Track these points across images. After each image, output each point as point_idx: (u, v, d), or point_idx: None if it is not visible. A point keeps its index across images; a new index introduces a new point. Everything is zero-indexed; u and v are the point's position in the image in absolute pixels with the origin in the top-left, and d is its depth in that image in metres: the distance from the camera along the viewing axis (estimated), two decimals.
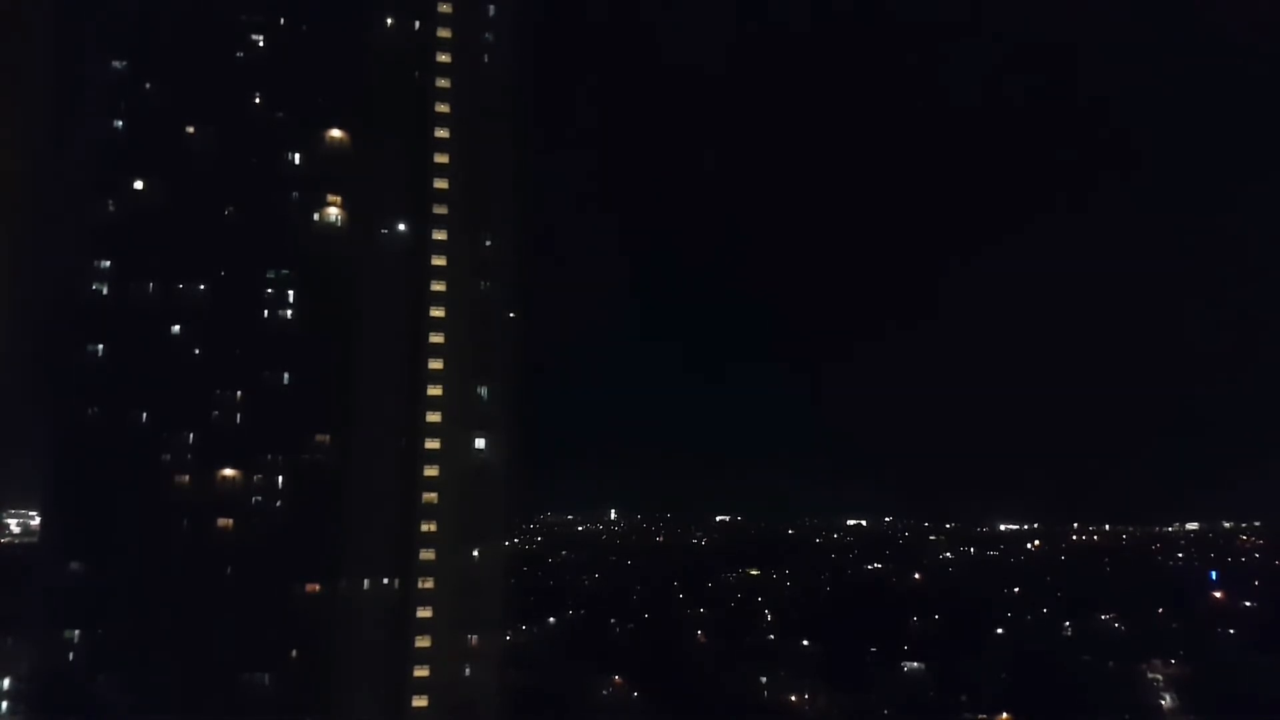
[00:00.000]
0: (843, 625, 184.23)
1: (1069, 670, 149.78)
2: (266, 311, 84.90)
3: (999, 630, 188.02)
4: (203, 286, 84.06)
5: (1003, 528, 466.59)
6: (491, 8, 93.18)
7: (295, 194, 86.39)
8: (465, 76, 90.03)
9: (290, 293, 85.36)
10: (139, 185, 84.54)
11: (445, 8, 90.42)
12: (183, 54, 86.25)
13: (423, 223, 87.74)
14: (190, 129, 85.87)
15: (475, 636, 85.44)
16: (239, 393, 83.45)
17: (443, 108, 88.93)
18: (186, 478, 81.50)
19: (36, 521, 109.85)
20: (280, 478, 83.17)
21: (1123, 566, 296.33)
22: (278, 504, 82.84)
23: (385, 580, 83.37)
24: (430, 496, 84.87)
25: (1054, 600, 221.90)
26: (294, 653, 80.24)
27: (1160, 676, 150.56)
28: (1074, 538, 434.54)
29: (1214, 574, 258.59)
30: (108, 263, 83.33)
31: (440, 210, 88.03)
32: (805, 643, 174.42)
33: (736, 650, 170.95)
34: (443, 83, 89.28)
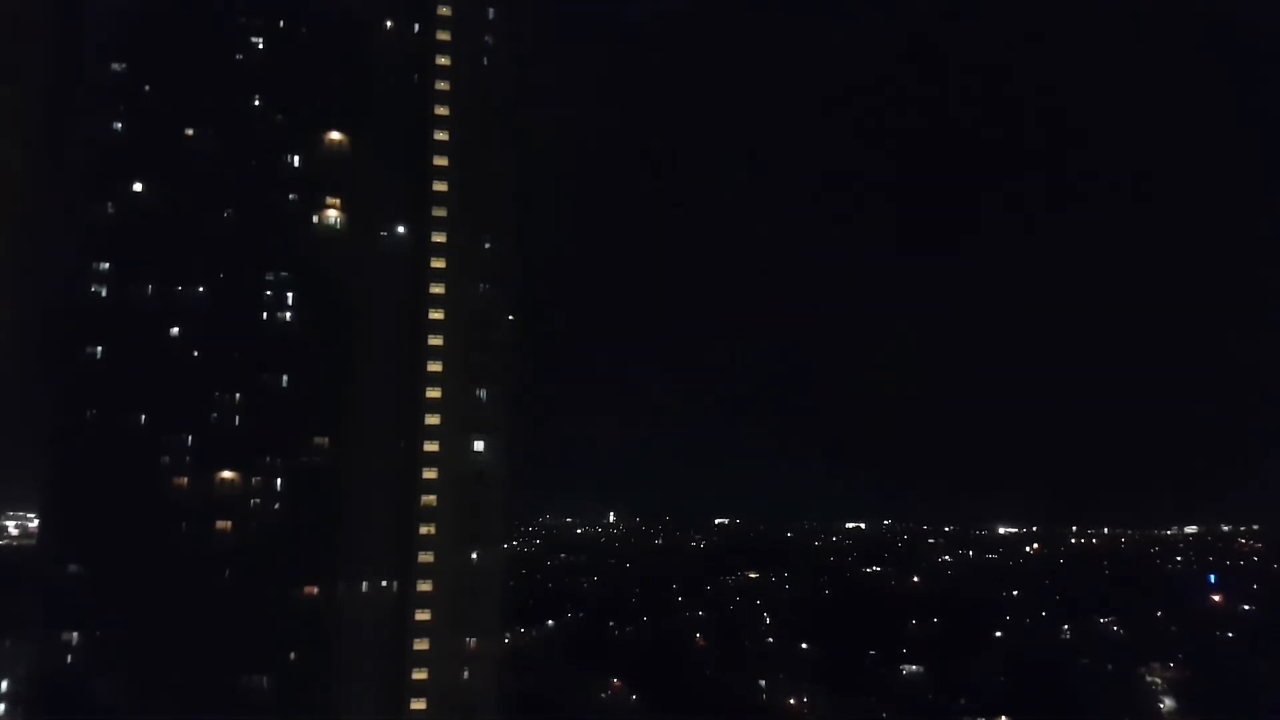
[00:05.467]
0: (841, 628, 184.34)
1: (1068, 673, 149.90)
2: (265, 314, 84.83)
3: (998, 633, 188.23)
4: (201, 289, 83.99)
5: (1001, 531, 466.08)
6: (491, 11, 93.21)
7: (294, 196, 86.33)
8: (464, 79, 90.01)
9: (289, 295, 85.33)
10: (138, 187, 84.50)
11: (445, 11, 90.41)
12: (182, 56, 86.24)
13: (422, 225, 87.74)
14: (189, 131, 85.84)
15: (474, 639, 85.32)
16: (237, 395, 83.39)
17: (442, 110, 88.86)
18: (185, 480, 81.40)
19: (34, 524, 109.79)
20: (279, 480, 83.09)
21: (1121, 570, 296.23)
22: (276, 506, 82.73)
23: (384, 583, 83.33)
24: (429, 499, 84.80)
25: (1053, 603, 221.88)
26: (292, 655, 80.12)
27: (1159, 680, 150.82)
28: (1073, 541, 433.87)
29: (1213, 577, 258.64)
30: (106, 264, 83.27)
31: (439, 213, 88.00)
32: (804, 646, 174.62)
33: (735, 653, 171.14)
34: (442, 85, 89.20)
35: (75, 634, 78.51)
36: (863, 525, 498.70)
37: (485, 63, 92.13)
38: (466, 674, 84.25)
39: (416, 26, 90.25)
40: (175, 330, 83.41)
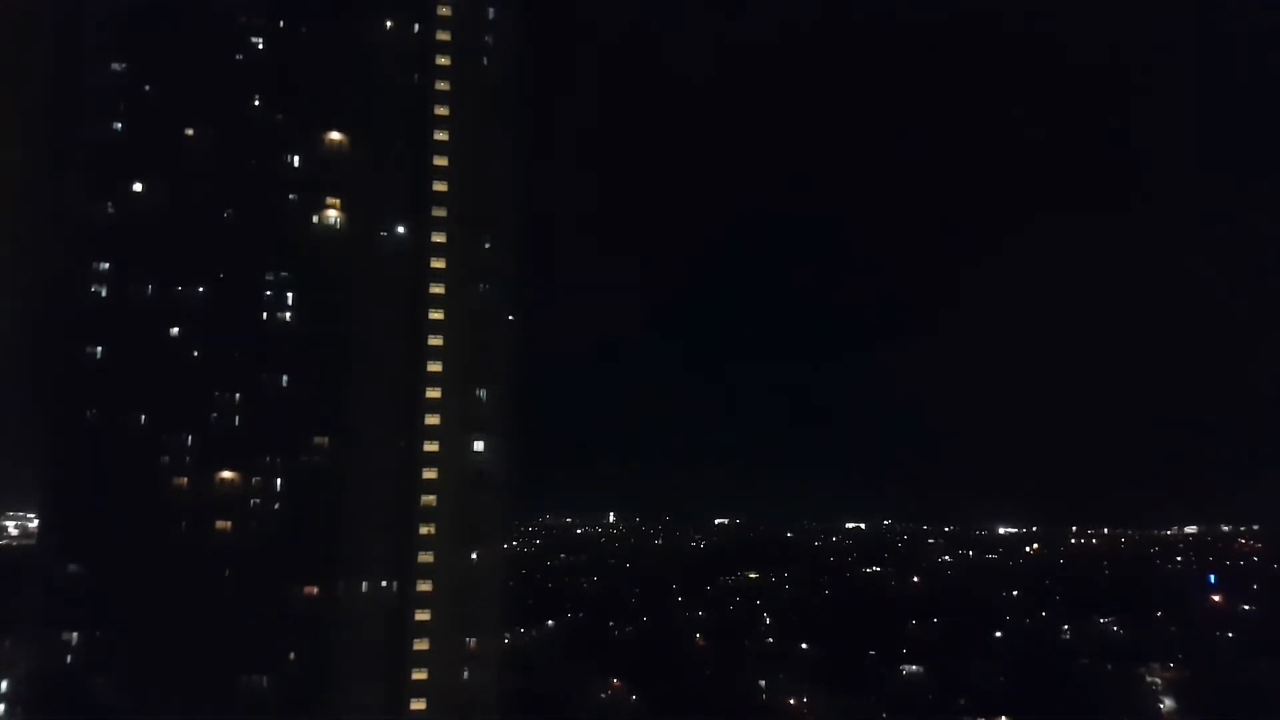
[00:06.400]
0: (841, 628, 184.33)
1: (1068, 673, 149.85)
2: (265, 314, 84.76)
3: (998, 633, 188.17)
4: (201, 289, 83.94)
5: (1001, 531, 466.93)
6: (491, 10, 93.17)
7: (294, 196, 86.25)
8: (464, 79, 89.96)
9: (289, 295, 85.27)
10: (138, 187, 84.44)
11: (445, 10, 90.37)
12: (182, 56, 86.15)
13: (422, 225, 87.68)
14: (189, 131, 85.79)
15: (474, 639, 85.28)
16: (237, 395, 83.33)
17: (442, 110, 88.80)
18: (185, 480, 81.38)
19: (35, 524, 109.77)
20: (279, 480, 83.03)
21: (1121, 570, 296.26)
22: (276, 506, 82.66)
23: (384, 583, 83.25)
24: (429, 499, 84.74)
25: (1053, 603, 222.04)
26: (292, 655, 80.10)
27: (1159, 680, 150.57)
28: (1073, 541, 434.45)
29: (1212, 577, 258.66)
30: (106, 264, 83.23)
31: (439, 213, 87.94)
32: (804, 645, 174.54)
33: (735, 653, 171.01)
34: (442, 85, 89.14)
35: (75, 634, 78.50)
36: (863, 525, 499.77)
37: (485, 63, 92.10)
38: (466, 674, 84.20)
39: (416, 26, 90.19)
40: (175, 330, 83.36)
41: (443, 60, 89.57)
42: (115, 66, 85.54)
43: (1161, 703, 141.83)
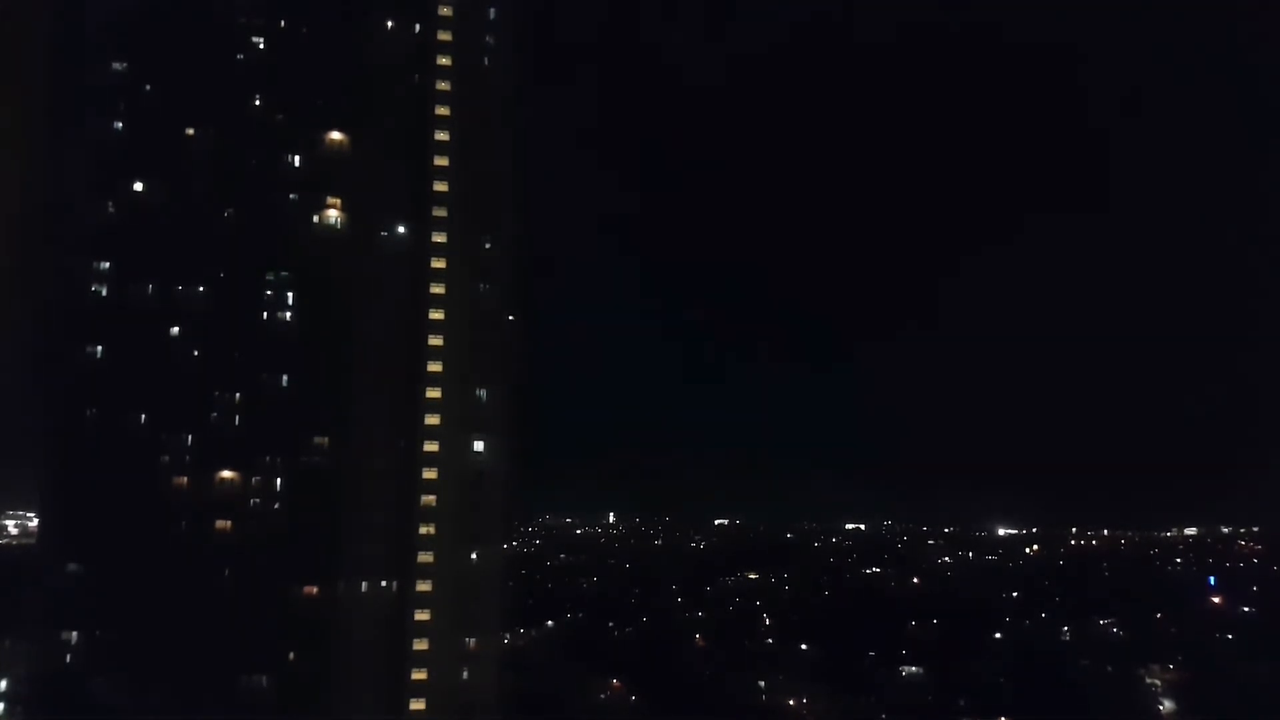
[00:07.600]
0: (841, 629, 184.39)
1: (1068, 674, 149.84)
2: (266, 314, 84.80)
3: (997, 635, 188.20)
4: (202, 288, 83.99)
5: (1001, 532, 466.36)
6: (492, 11, 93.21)
7: (295, 196, 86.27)
8: (465, 79, 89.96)
9: (289, 295, 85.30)
10: (138, 187, 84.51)
11: (445, 11, 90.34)
12: (183, 56, 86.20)
13: (422, 225, 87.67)
14: (190, 131, 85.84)
15: (473, 639, 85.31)
16: (237, 395, 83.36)
17: (442, 110, 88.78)
18: (185, 480, 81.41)
19: (35, 523, 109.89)
20: (279, 480, 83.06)
21: (1121, 571, 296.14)
22: (276, 506, 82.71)
23: (383, 583, 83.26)
24: (429, 499, 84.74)
25: (1053, 605, 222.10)
26: (292, 655, 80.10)
27: (1159, 681, 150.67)
28: (1072, 542, 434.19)
29: (1212, 579, 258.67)
30: (107, 264, 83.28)
31: (440, 213, 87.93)
32: (804, 647, 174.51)
33: (735, 654, 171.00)
34: (443, 85, 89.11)
35: (75, 634, 78.53)
36: (863, 526, 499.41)
37: (485, 63, 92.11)
38: (466, 674, 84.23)
39: (417, 26, 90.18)
40: (175, 330, 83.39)
41: (443, 60, 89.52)
42: (115, 66, 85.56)
43: (1161, 704, 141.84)
